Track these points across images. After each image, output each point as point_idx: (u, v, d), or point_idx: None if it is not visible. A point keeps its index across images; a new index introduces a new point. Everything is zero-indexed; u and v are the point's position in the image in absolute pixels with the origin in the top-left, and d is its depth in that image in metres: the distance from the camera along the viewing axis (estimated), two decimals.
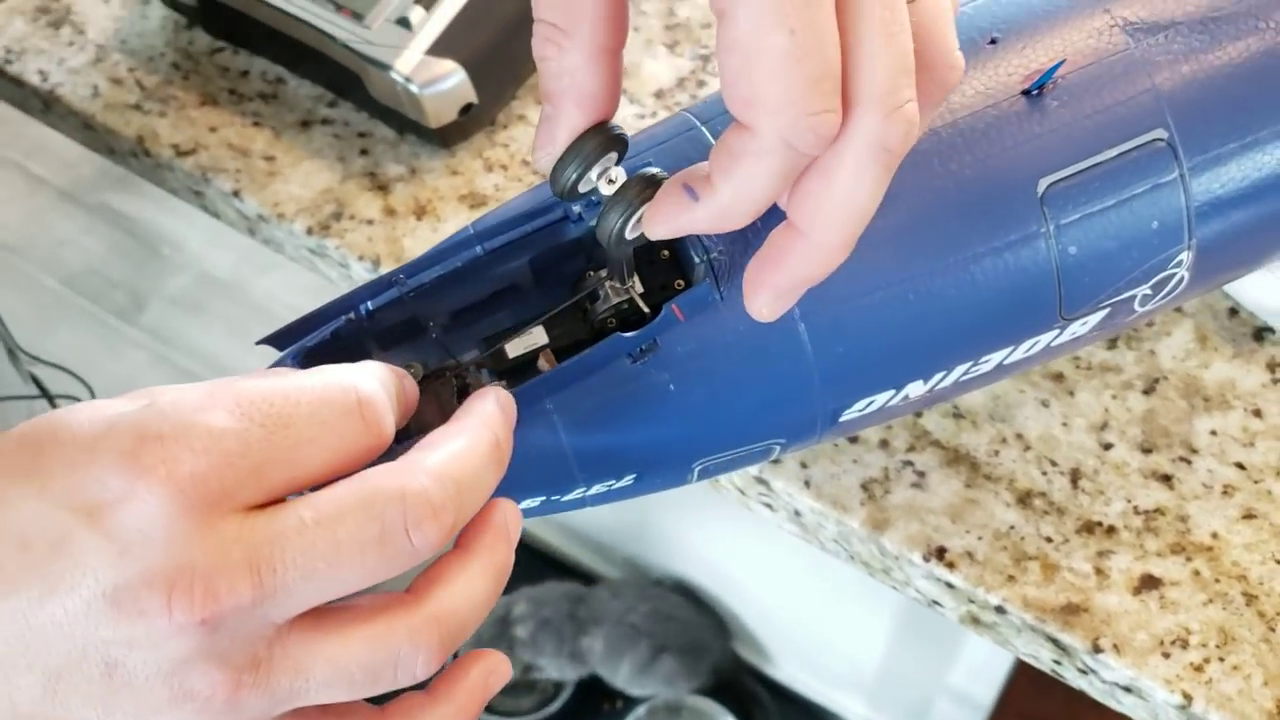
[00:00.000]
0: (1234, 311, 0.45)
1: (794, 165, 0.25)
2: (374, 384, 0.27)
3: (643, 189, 0.28)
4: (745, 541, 1.05)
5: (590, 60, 0.26)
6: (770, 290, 0.28)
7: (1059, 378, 0.44)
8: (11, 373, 0.80)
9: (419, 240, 0.49)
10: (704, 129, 0.33)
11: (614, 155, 0.28)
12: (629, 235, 0.29)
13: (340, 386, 0.26)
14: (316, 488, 0.25)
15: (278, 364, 0.33)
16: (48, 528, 0.24)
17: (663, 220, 0.28)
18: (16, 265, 1.04)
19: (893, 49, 0.25)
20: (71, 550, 0.23)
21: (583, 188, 0.29)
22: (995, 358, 0.34)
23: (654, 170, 0.28)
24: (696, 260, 0.32)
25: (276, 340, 0.33)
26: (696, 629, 1.16)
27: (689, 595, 1.18)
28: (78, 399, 0.79)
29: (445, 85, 0.48)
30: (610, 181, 0.28)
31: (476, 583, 0.26)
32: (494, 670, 0.27)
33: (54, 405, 0.79)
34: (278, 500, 0.25)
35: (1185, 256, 0.34)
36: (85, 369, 0.81)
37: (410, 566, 0.25)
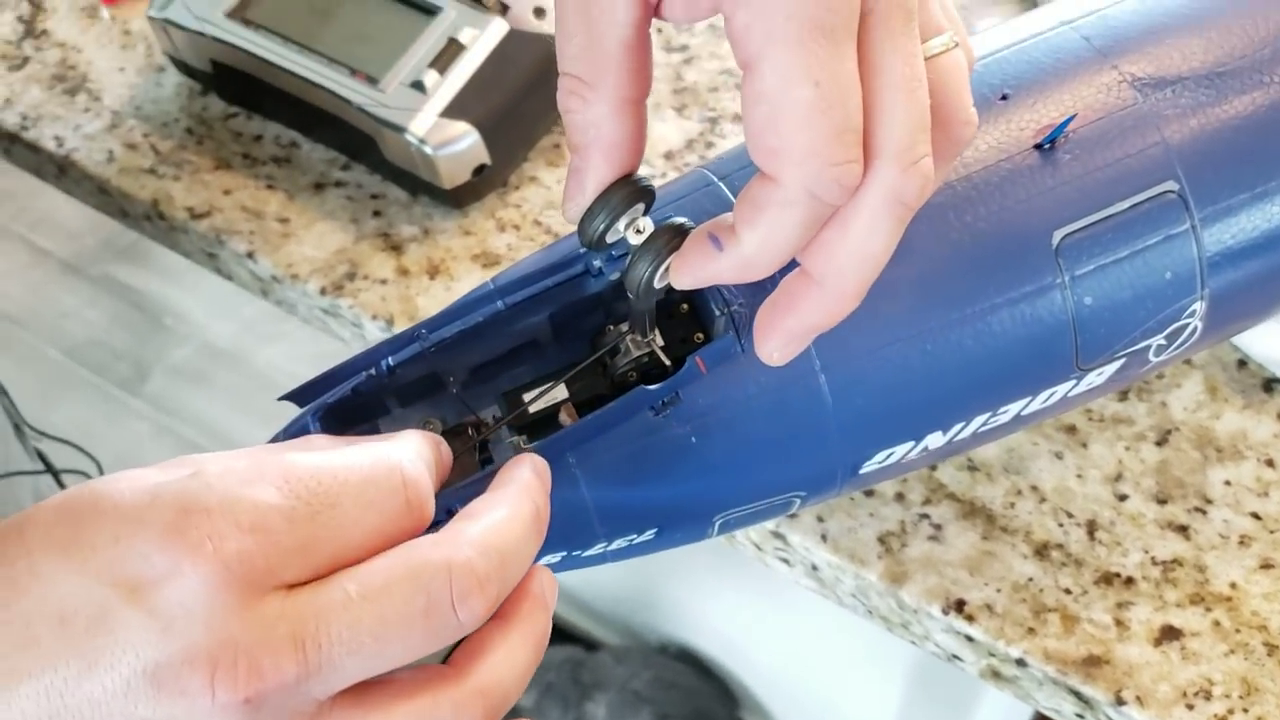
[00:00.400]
0: (1243, 363, 0.45)
1: (817, 216, 0.26)
2: (419, 463, 0.27)
3: (670, 238, 0.29)
4: (750, 608, 1.04)
5: (615, 112, 0.27)
6: (782, 335, 0.28)
7: (1072, 430, 0.44)
8: (17, 448, 0.79)
9: (432, 299, 0.49)
10: (721, 184, 0.34)
11: (641, 207, 0.29)
12: (657, 284, 0.29)
13: (387, 466, 0.26)
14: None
15: (297, 420, 0.33)
16: (88, 603, 0.23)
17: (688, 270, 0.28)
18: (19, 337, 1.05)
19: (912, 105, 0.25)
20: (112, 627, 0.23)
21: (610, 238, 0.29)
22: (1013, 408, 0.35)
23: (681, 220, 0.29)
24: (717, 313, 0.32)
25: (298, 396, 0.33)
26: (701, 697, 1.15)
27: (693, 663, 1.16)
28: (85, 474, 0.79)
29: (459, 147, 0.48)
30: (638, 232, 0.29)
31: (518, 653, 0.26)
32: None
33: (60, 481, 0.78)
34: (319, 577, 0.25)
35: (1198, 307, 0.34)
36: (88, 440, 0.81)
37: (455, 640, 0.25)
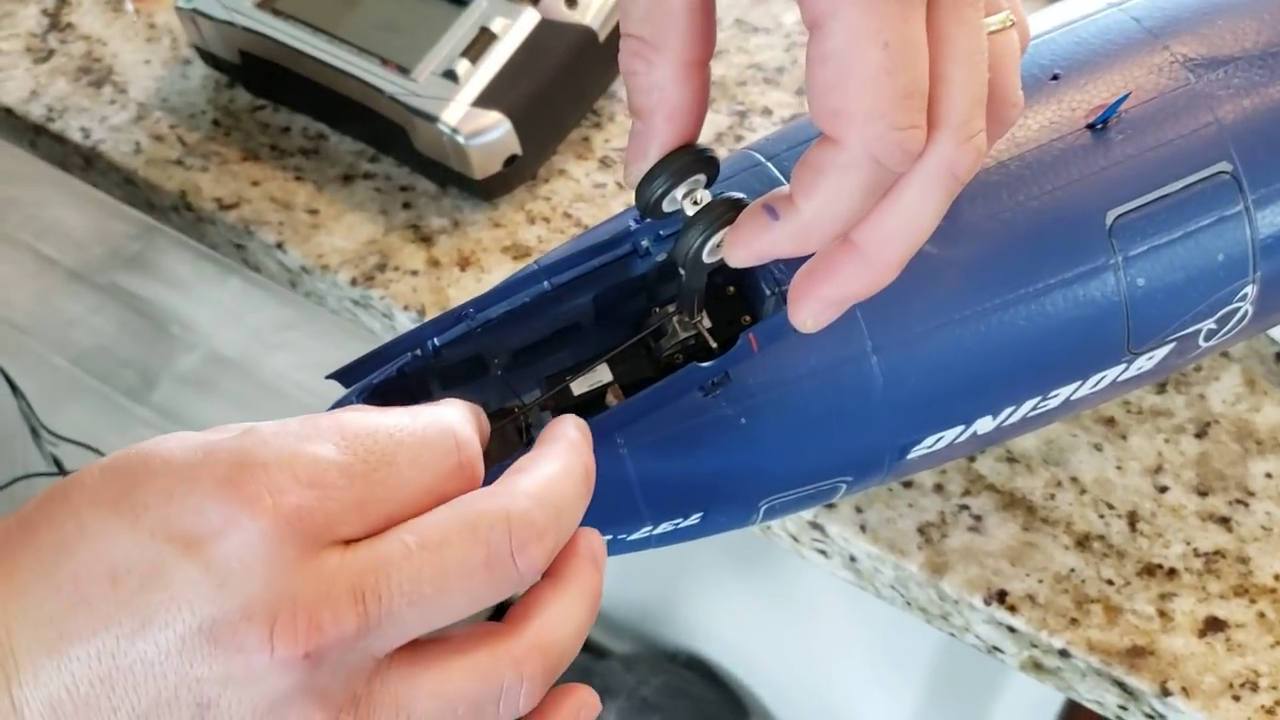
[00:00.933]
0: None
1: (878, 182, 0.25)
2: (468, 428, 0.26)
3: (725, 210, 0.28)
4: (760, 616, 1.03)
5: (680, 74, 0.27)
6: (818, 302, 0.27)
7: (1110, 422, 0.44)
8: (34, 453, 0.79)
9: (463, 290, 0.49)
10: (769, 164, 0.33)
11: (702, 178, 0.29)
12: (706, 258, 0.29)
13: (440, 428, 0.26)
14: None
15: (342, 400, 0.32)
16: (140, 560, 0.23)
17: (744, 243, 0.27)
18: (27, 345, 1.05)
19: (973, 78, 0.25)
20: (166, 583, 0.22)
21: (667, 206, 0.29)
22: (1064, 392, 0.34)
23: (739, 195, 0.29)
24: (768, 293, 0.32)
25: (344, 376, 0.33)
26: (710, 704, 1.14)
27: (703, 670, 1.16)
28: None
29: (491, 136, 0.48)
30: (695, 203, 0.29)
31: (573, 610, 0.26)
32: (585, 704, 0.27)
33: None
34: (373, 534, 0.24)
35: (1250, 290, 0.34)
36: (99, 448, 0.81)
37: (515, 591, 0.25)
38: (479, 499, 0.25)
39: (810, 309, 0.27)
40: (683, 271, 0.29)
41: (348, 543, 0.24)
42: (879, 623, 0.76)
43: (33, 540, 0.23)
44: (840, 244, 0.27)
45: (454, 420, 0.26)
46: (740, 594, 1.01)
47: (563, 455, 0.27)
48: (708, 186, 0.29)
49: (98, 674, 0.22)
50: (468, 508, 0.24)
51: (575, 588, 0.26)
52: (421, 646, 0.24)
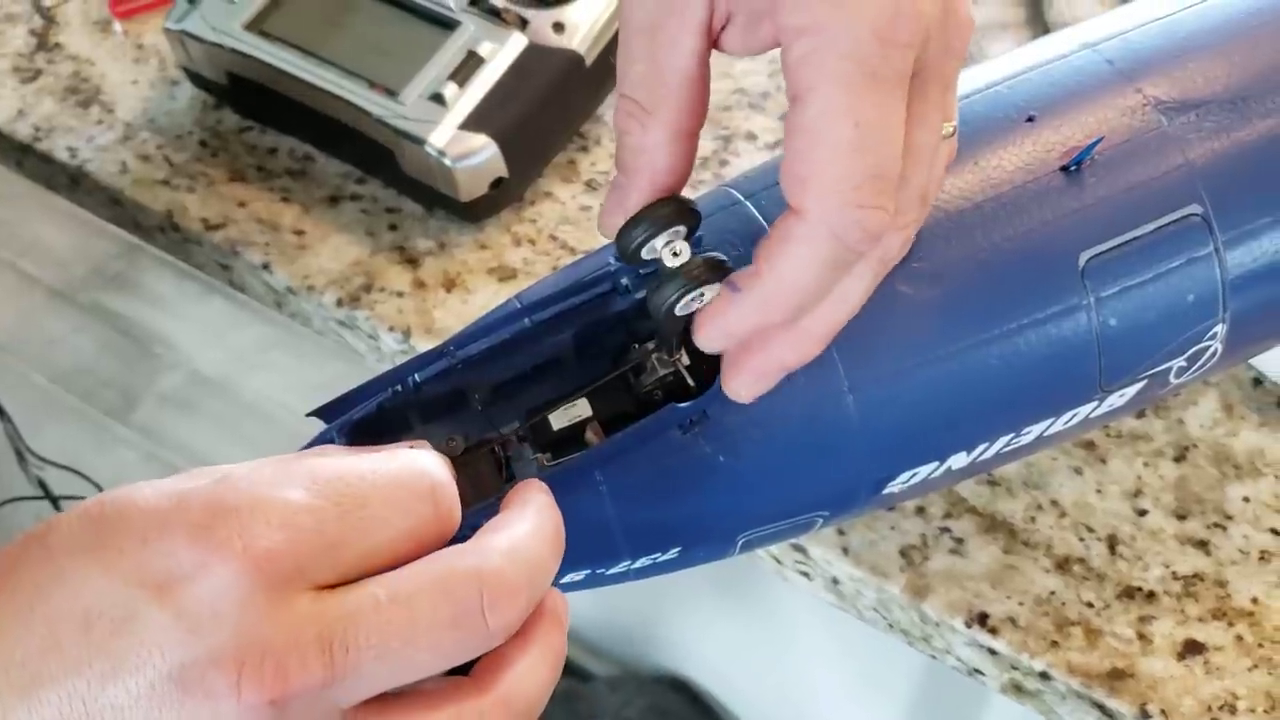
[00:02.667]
0: (1258, 382, 0.46)
1: (838, 258, 0.26)
2: (444, 472, 0.27)
3: (703, 272, 0.28)
4: (745, 639, 1.04)
5: (670, 140, 0.27)
6: (751, 373, 0.29)
7: (1090, 446, 0.44)
8: (20, 476, 0.79)
9: (449, 312, 0.49)
10: (747, 203, 0.34)
11: (683, 229, 0.29)
12: (679, 312, 0.29)
13: (413, 471, 0.26)
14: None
15: (322, 435, 0.33)
16: (113, 605, 0.23)
17: (712, 323, 0.28)
18: (8, 364, 1.05)
19: (922, 175, 0.27)
20: (138, 629, 0.23)
21: (645, 254, 0.29)
22: (1036, 429, 0.35)
23: (722, 256, 0.29)
24: None
25: (325, 413, 0.33)
26: None
27: (687, 693, 1.16)
28: (84, 498, 0.78)
29: (478, 159, 0.48)
30: (675, 254, 0.29)
31: (540, 667, 0.26)
32: None
33: (58, 507, 0.78)
34: (347, 581, 0.25)
35: (1219, 329, 0.34)
36: (76, 468, 0.81)
37: (483, 650, 0.25)
38: (452, 555, 0.25)
39: (745, 379, 0.28)
40: (656, 320, 0.30)
41: (320, 589, 0.24)
42: (862, 646, 0.76)
43: (10, 584, 0.24)
44: None
45: (429, 464, 0.27)
46: (724, 617, 1.02)
47: (534, 516, 0.27)
48: (689, 237, 0.29)
49: (68, 718, 0.23)
50: (441, 564, 0.25)
51: (541, 645, 0.26)
52: (389, 700, 0.24)
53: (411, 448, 0.28)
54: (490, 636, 0.25)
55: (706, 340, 0.28)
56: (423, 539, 0.26)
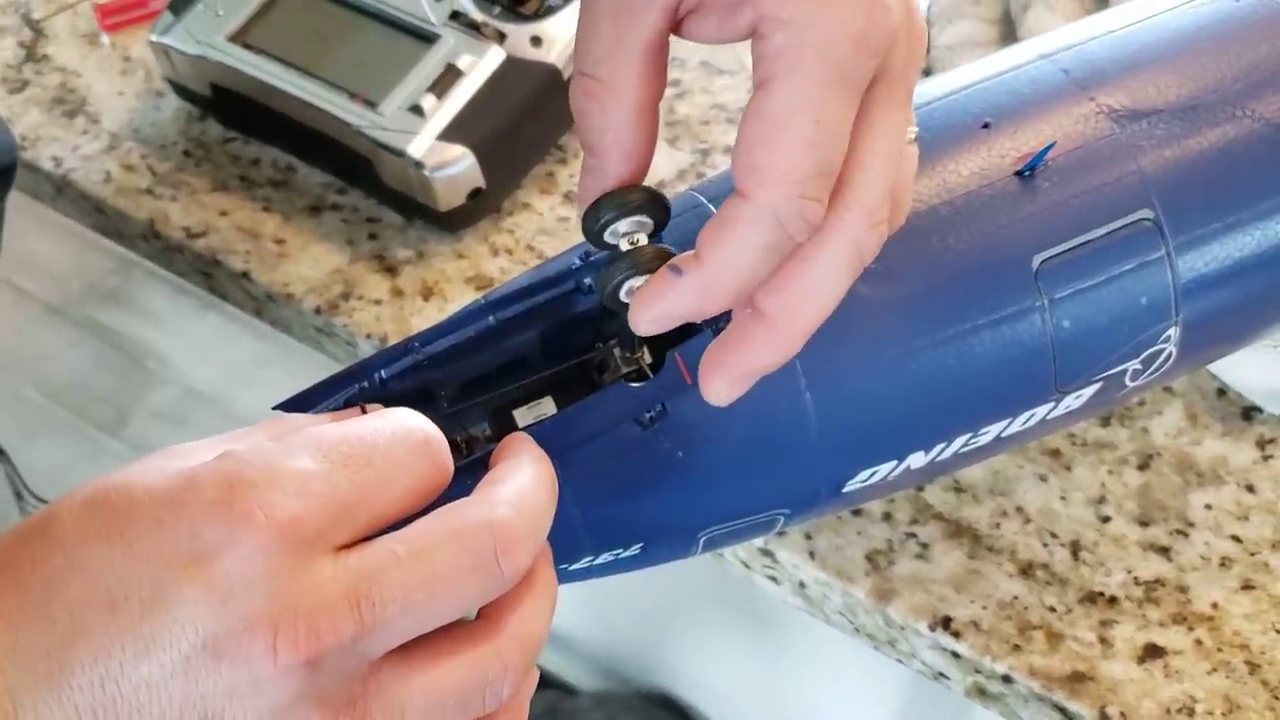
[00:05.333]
0: (1222, 391, 0.46)
1: (777, 244, 0.26)
2: (432, 425, 0.28)
3: (650, 258, 0.29)
4: (732, 655, 1.03)
5: (633, 116, 0.28)
6: (729, 375, 0.29)
7: (1056, 454, 0.45)
8: (15, 516, 0.79)
9: (426, 320, 0.50)
10: (710, 205, 0.34)
11: (650, 223, 0.29)
12: (623, 298, 0.30)
13: (408, 427, 0.27)
14: (393, 526, 0.26)
15: None
16: (139, 586, 0.23)
17: (647, 304, 0.28)
18: (0, 379, 1.04)
19: (889, 172, 0.27)
20: (169, 605, 0.23)
21: (608, 238, 0.29)
22: (994, 429, 0.35)
23: (668, 246, 0.29)
24: (705, 329, 0.33)
25: (291, 406, 0.34)
26: None
27: (674, 709, 1.16)
28: None
29: (455, 169, 0.49)
30: (631, 243, 0.29)
31: (542, 604, 0.27)
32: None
33: None
34: (361, 540, 0.25)
35: (1173, 332, 0.35)
36: (67, 481, 0.81)
37: (498, 595, 0.26)
38: (462, 508, 0.26)
39: (722, 381, 0.29)
40: (603, 301, 0.30)
41: (339, 549, 0.25)
42: (852, 664, 0.76)
43: (16, 579, 0.24)
44: (751, 316, 0.28)
45: (419, 420, 0.28)
46: (712, 632, 1.02)
47: (531, 467, 0.28)
48: (655, 232, 0.30)
49: (101, 701, 0.23)
50: (451, 517, 0.26)
51: (541, 584, 0.28)
52: (412, 647, 0.25)
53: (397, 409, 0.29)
54: (505, 582, 0.26)
55: (641, 321, 0.28)
56: (423, 491, 0.27)
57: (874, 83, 0.27)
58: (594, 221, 0.29)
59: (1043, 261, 0.33)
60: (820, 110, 0.25)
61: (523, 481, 0.27)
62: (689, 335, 0.34)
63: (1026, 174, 0.33)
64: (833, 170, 0.26)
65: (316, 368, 0.55)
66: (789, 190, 0.25)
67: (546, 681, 1.20)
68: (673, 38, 0.28)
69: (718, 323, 0.32)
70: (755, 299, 0.28)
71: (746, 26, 0.26)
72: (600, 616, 1.05)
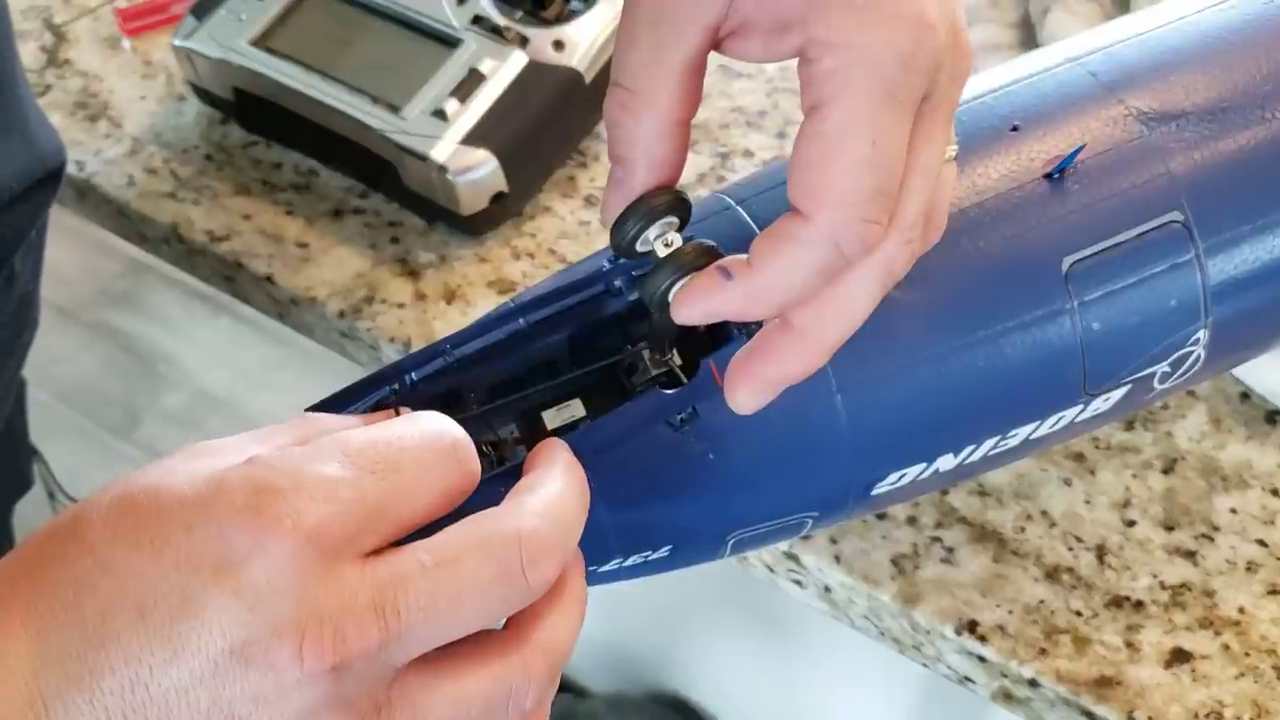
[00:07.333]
0: (1245, 396, 0.46)
1: (831, 265, 0.27)
2: (460, 429, 0.27)
3: (695, 256, 0.29)
4: (745, 658, 1.03)
5: (665, 130, 0.28)
6: (756, 383, 0.29)
7: (1080, 458, 0.45)
8: (47, 511, 0.80)
9: (449, 324, 0.50)
10: (739, 208, 0.34)
11: (675, 221, 0.29)
12: (672, 300, 0.30)
13: (435, 431, 0.27)
14: (421, 531, 0.26)
15: None
16: (168, 592, 0.23)
17: (693, 301, 0.28)
18: None
19: (926, 191, 0.27)
20: (198, 610, 0.23)
21: (640, 247, 0.30)
22: (1022, 432, 0.35)
23: (711, 242, 0.30)
24: (736, 332, 0.33)
25: (323, 409, 0.34)
26: None
27: (686, 712, 1.16)
28: None
29: (478, 174, 0.49)
30: (666, 245, 0.29)
31: (570, 615, 0.27)
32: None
33: None
34: (389, 546, 0.25)
35: (1202, 335, 0.35)
36: (78, 485, 0.81)
37: (524, 605, 0.26)
38: (490, 518, 0.26)
39: (748, 390, 0.29)
40: (651, 310, 0.30)
41: (366, 556, 0.25)
42: (865, 668, 0.76)
43: (45, 580, 0.24)
44: (779, 327, 0.28)
45: (446, 423, 0.27)
46: (724, 635, 1.01)
47: (561, 475, 0.28)
48: (681, 229, 0.30)
49: (131, 705, 0.23)
50: (481, 526, 0.26)
51: (569, 595, 0.27)
52: (437, 655, 0.25)
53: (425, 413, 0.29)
54: (530, 593, 0.26)
55: (685, 313, 0.28)
56: (451, 495, 0.27)
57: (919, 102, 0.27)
58: (622, 236, 0.30)
59: (1072, 264, 0.33)
60: (876, 130, 0.26)
61: (553, 490, 0.27)
62: (720, 341, 0.34)
63: (1056, 176, 0.33)
64: (891, 191, 0.26)
65: (328, 371, 0.56)
66: (850, 213, 0.26)
67: (559, 684, 1.19)
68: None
69: (749, 328, 0.32)
70: (785, 310, 0.28)
71: (793, 49, 0.27)
72: (613, 618, 1.05)
